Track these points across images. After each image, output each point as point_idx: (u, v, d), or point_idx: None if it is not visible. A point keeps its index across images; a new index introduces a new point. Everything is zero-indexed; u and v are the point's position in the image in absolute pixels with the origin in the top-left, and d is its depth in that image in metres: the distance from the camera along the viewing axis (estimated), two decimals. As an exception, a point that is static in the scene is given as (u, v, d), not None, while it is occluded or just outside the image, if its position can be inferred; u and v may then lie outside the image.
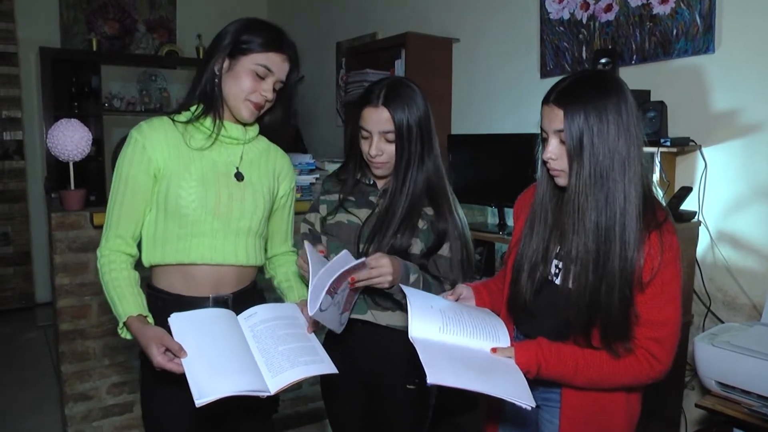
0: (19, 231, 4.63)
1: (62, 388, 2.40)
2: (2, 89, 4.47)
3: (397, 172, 1.48)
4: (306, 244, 1.40)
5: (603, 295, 1.13)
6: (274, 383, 1.20)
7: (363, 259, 1.30)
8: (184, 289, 1.38)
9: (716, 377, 1.72)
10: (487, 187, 2.67)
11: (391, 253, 1.41)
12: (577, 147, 1.13)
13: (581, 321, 1.17)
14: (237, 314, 1.35)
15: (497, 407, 1.40)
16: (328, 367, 1.29)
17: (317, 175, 2.76)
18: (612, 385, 1.19)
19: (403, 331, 1.46)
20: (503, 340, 1.20)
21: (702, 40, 2.17)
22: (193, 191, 1.35)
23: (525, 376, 1.13)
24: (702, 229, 2.19)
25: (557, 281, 1.25)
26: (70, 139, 2.28)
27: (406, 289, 1.25)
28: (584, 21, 2.60)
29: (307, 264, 1.30)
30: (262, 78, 1.35)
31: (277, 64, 1.36)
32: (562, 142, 1.16)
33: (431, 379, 1.05)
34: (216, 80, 1.37)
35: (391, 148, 1.46)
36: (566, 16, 2.68)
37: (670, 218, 1.19)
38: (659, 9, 2.31)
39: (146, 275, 1.43)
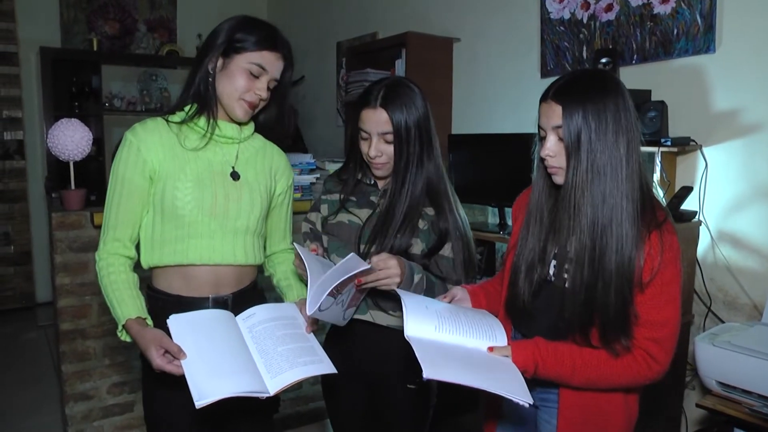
0: (20, 231, 4.63)
1: (63, 387, 2.41)
2: (3, 89, 4.48)
3: (396, 173, 1.48)
4: (295, 245, 1.40)
5: (599, 292, 1.13)
6: (273, 384, 1.20)
7: (369, 265, 1.29)
8: (184, 290, 1.38)
9: (717, 377, 1.72)
10: (488, 187, 2.67)
11: (391, 254, 1.41)
12: (575, 143, 1.13)
13: (577, 319, 1.16)
14: (236, 315, 1.34)
15: (496, 407, 1.40)
16: (327, 367, 1.29)
17: (318, 175, 2.76)
18: (610, 386, 1.19)
19: (403, 331, 1.46)
20: (500, 339, 1.20)
21: (703, 40, 2.17)
22: (189, 192, 1.34)
23: (522, 375, 1.13)
24: (702, 229, 2.18)
25: (555, 282, 1.25)
26: (71, 139, 2.28)
27: (400, 291, 1.25)
28: (585, 20, 2.60)
29: (304, 264, 1.30)
30: (256, 77, 1.34)
31: (271, 62, 1.35)
32: (560, 139, 1.16)
33: (428, 374, 1.05)
34: (210, 79, 1.36)
35: (391, 148, 1.46)
36: (567, 15, 2.68)
37: (669, 218, 1.18)
38: (660, 9, 2.31)
39: (146, 276, 1.43)
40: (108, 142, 4.75)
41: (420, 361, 1.07)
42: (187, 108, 1.39)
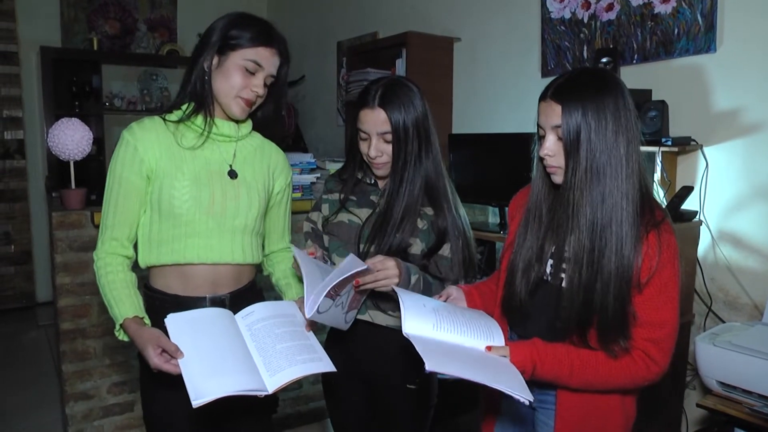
0: (20, 230, 4.63)
1: (63, 387, 2.41)
2: (3, 88, 4.48)
3: (394, 173, 1.47)
4: (293, 247, 1.40)
5: (598, 293, 1.13)
6: (272, 382, 1.20)
7: (366, 266, 1.29)
8: (181, 290, 1.38)
9: (717, 377, 1.72)
10: (488, 187, 2.67)
11: (391, 254, 1.40)
12: (575, 142, 1.12)
13: (576, 319, 1.16)
14: (234, 313, 1.34)
15: (493, 409, 1.39)
16: (326, 365, 1.28)
17: (318, 175, 2.76)
18: (608, 387, 1.18)
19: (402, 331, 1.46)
20: (497, 339, 1.19)
21: (703, 40, 2.17)
22: (186, 191, 1.34)
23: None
24: (703, 229, 2.18)
25: (552, 281, 1.24)
26: (71, 139, 2.28)
27: (398, 289, 1.24)
28: (585, 20, 2.60)
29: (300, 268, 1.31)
30: (252, 73, 1.34)
31: (266, 58, 1.34)
32: (559, 138, 1.15)
33: (429, 366, 1.04)
34: (206, 77, 1.35)
35: (391, 148, 1.46)
36: (567, 15, 2.67)
37: (668, 218, 1.18)
38: (661, 8, 2.31)
39: (144, 275, 1.43)
40: (108, 142, 4.75)
41: (421, 354, 1.07)
42: (184, 107, 1.39)
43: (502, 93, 3.06)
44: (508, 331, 1.33)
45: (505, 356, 1.14)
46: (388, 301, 1.46)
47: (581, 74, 1.19)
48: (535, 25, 2.83)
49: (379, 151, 1.45)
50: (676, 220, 2.07)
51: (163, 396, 1.34)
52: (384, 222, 1.47)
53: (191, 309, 1.32)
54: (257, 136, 1.49)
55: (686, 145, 2.13)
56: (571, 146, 1.13)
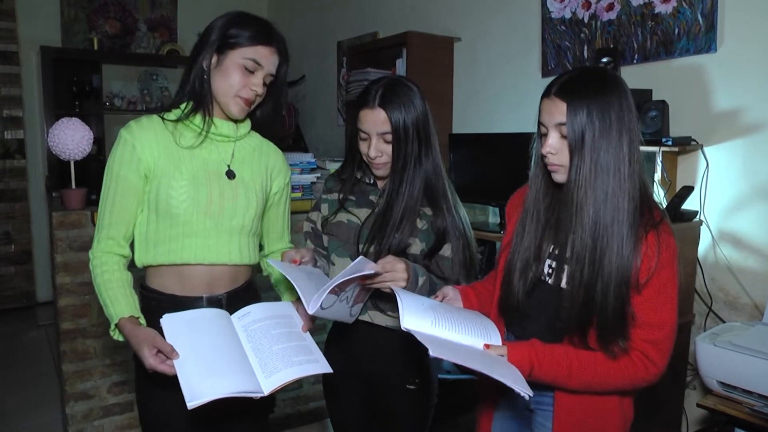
0: (20, 230, 4.63)
1: (63, 387, 2.41)
2: (3, 88, 4.48)
3: (393, 173, 1.47)
4: (271, 261, 1.40)
5: (598, 293, 1.12)
6: (267, 384, 1.19)
7: (374, 270, 1.28)
8: (178, 290, 1.37)
9: (718, 377, 1.72)
10: (489, 187, 2.67)
11: (390, 254, 1.40)
12: (579, 141, 1.12)
13: (576, 320, 1.15)
14: (231, 314, 1.33)
15: (490, 410, 1.39)
16: (322, 366, 1.28)
17: (318, 175, 2.76)
18: (606, 388, 1.17)
19: (403, 332, 1.46)
20: (494, 339, 1.19)
21: (704, 40, 2.17)
22: (184, 191, 1.33)
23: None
24: (703, 229, 2.18)
25: (550, 281, 1.24)
26: (71, 138, 2.28)
27: (395, 288, 1.24)
28: (586, 20, 2.60)
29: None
30: (251, 72, 1.33)
31: (266, 57, 1.34)
32: (562, 136, 1.15)
33: (433, 352, 1.04)
34: (205, 76, 1.35)
35: (390, 148, 1.45)
36: (568, 15, 2.67)
37: (666, 218, 1.17)
38: (661, 8, 2.31)
39: (140, 275, 1.42)
40: (108, 142, 4.74)
41: (424, 342, 1.07)
42: (182, 106, 1.38)
43: (502, 93, 3.06)
44: (505, 332, 1.32)
45: (502, 356, 1.14)
46: (387, 301, 1.46)
47: (585, 73, 1.18)
48: (536, 25, 2.83)
49: (378, 151, 1.45)
50: (676, 220, 2.07)
51: (159, 397, 1.33)
52: (383, 222, 1.47)
53: (188, 309, 1.31)
54: (256, 136, 1.48)
55: (686, 145, 2.13)
56: (576, 145, 1.12)
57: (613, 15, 2.49)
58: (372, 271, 1.27)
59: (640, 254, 1.13)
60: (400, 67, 3.30)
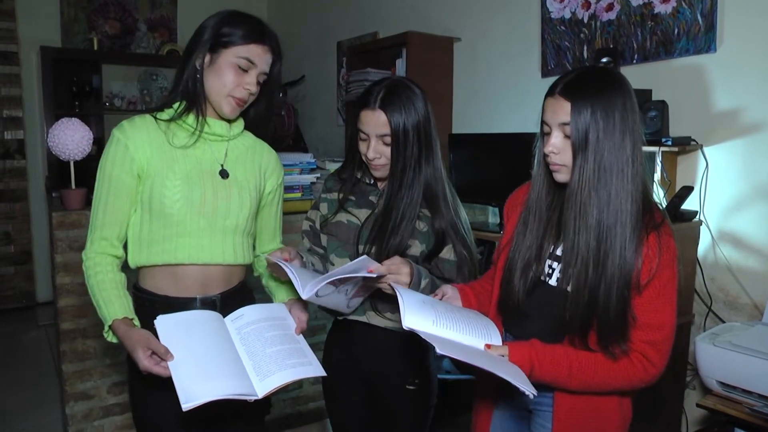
0: (20, 230, 4.63)
1: (63, 387, 2.40)
2: (3, 88, 4.48)
3: (393, 176, 1.46)
4: (265, 256, 1.39)
5: (601, 294, 1.12)
6: (261, 387, 1.19)
7: (376, 275, 1.27)
8: (172, 290, 1.36)
9: (717, 377, 1.72)
10: (488, 187, 2.67)
11: (390, 255, 1.40)
12: (583, 141, 1.12)
13: (578, 321, 1.15)
14: (224, 315, 1.33)
15: (488, 411, 1.38)
16: (315, 369, 1.28)
17: (318, 175, 2.76)
18: (606, 388, 1.18)
19: (402, 333, 1.46)
20: (495, 339, 1.19)
21: (703, 40, 2.17)
22: (178, 190, 1.32)
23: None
24: (703, 229, 2.18)
25: (551, 282, 1.24)
26: (71, 139, 2.28)
27: (396, 286, 1.24)
28: (585, 20, 2.60)
29: (283, 270, 1.30)
30: (245, 71, 1.32)
31: (259, 55, 1.33)
32: (566, 136, 1.14)
33: (440, 350, 1.05)
34: (198, 76, 1.34)
35: (389, 150, 1.44)
36: (567, 15, 2.67)
37: (667, 219, 1.18)
38: (661, 8, 2.31)
39: (133, 276, 1.41)
40: (108, 142, 4.74)
41: (429, 341, 1.07)
42: (175, 105, 1.37)
43: (502, 93, 3.06)
44: (503, 332, 1.32)
45: (503, 356, 1.14)
46: (386, 303, 1.46)
47: (590, 72, 1.18)
48: (535, 25, 2.83)
49: (377, 152, 1.44)
50: (676, 220, 2.07)
51: (153, 399, 1.32)
52: (383, 225, 1.46)
53: (181, 310, 1.30)
54: (249, 136, 1.48)
55: (686, 145, 2.13)
56: (580, 145, 1.12)
57: (612, 15, 2.49)
58: (374, 275, 1.26)
59: (641, 256, 1.13)
60: (400, 67, 3.30)
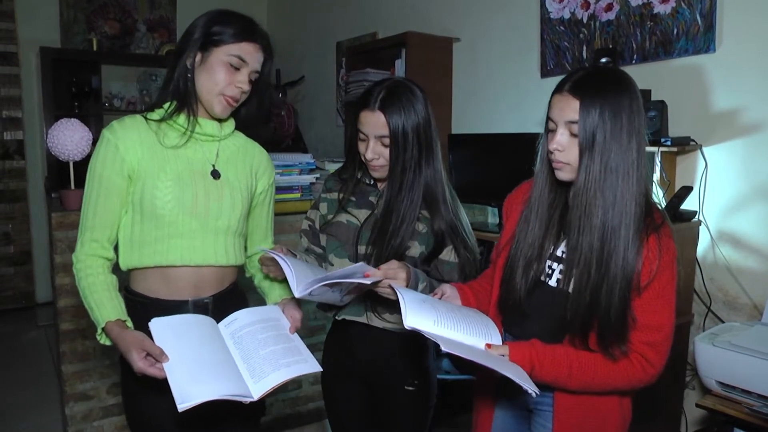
0: (20, 231, 4.63)
1: (63, 387, 2.40)
2: (3, 89, 4.48)
3: (392, 178, 1.46)
4: (262, 248, 1.39)
5: (604, 295, 1.12)
6: (256, 389, 1.19)
7: (371, 281, 1.27)
8: (164, 293, 1.35)
9: (717, 377, 1.72)
10: (488, 187, 2.67)
11: (389, 257, 1.40)
12: (590, 141, 1.11)
13: (579, 322, 1.15)
14: (217, 317, 1.32)
15: (489, 411, 1.38)
16: (311, 366, 1.27)
17: (317, 175, 2.76)
18: (606, 388, 1.18)
19: (402, 334, 1.46)
20: (495, 339, 1.19)
21: (703, 40, 2.17)
22: (169, 191, 1.31)
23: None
24: (702, 229, 2.18)
25: (551, 282, 1.24)
26: (70, 139, 2.28)
27: (396, 287, 1.24)
28: (585, 20, 2.60)
29: (279, 266, 1.30)
30: (237, 69, 1.32)
31: (250, 53, 1.32)
32: (572, 134, 1.14)
33: (445, 347, 1.05)
34: (189, 75, 1.33)
35: (388, 152, 1.44)
36: (567, 15, 2.68)
37: (666, 221, 1.18)
38: (660, 8, 2.31)
39: (124, 278, 1.40)
40: (108, 142, 4.74)
41: (433, 339, 1.08)
42: (166, 105, 1.36)
43: (502, 93, 3.06)
44: (503, 332, 1.32)
45: (504, 355, 1.14)
46: (386, 306, 1.45)
47: (599, 72, 1.18)
48: (535, 25, 2.83)
49: (376, 153, 1.44)
50: (675, 220, 2.07)
51: (148, 400, 1.31)
52: (383, 227, 1.46)
53: (173, 312, 1.29)
54: (240, 136, 1.47)
55: (685, 145, 2.13)
56: (586, 144, 1.12)
57: (612, 15, 2.49)
58: (369, 281, 1.26)
59: (641, 257, 1.13)
60: (399, 67, 3.30)
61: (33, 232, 4.68)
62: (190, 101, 1.34)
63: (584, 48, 2.61)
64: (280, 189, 2.63)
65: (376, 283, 1.29)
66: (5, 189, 4.55)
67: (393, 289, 1.25)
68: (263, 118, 1.49)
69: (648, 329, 1.14)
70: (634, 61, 2.41)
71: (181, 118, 1.35)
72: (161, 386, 1.15)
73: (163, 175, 1.31)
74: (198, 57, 1.32)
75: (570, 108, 1.13)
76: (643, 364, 1.14)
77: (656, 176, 2.14)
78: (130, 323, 1.28)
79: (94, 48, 4.71)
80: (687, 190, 2.09)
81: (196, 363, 1.18)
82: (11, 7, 4.48)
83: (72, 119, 2.34)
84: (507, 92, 3.03)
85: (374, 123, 1.42)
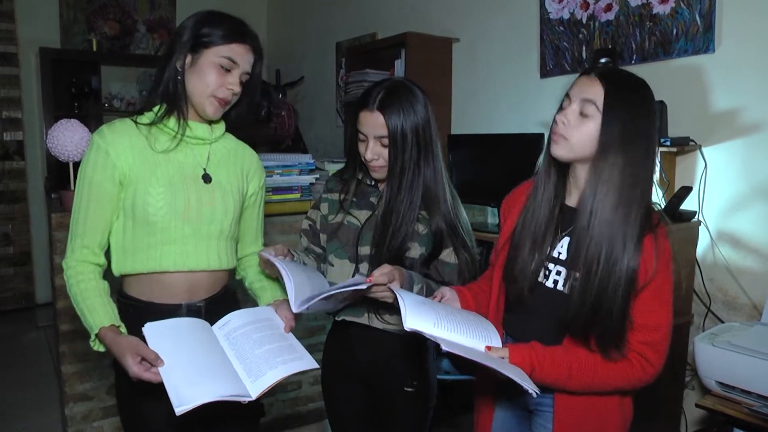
0: (20, 231, 4.63)
1: (62, 388, 2.40)
2: (2, 89, 4.48)
3: (391, 178, 1.46)
4: (265, 251, 1.38)
5: (607, 297, 1.12)
6: (254, 388, 1.19)
7: (366, 286, 1.28)
8: (157, 297, 1.34)
9: (716, 377, 1.72)
10: (487, 187, 2.67)
11: (389, 258, 1.40)
12: (610, 135, 1.12)
13: (580, 324, 1.15)
14: (211, 320, 1.32)
15: (489, 413, 1.38)
16: (307, 363, 1.27)
17: (317, 176, 2.76)
18: (606, 388, 1.18)
19: (402, 335, 1.46)
20: (495, 341, 1.19)
21: (702, 40, 2.17)
22: (161, 198, 1.30)
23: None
24: (702, 229, 2.18)
25: (547, 284, 1.24)
26: (70, 140, 2.28)
27: (396, 288, 1.24)
28: (584, 21, 2.60)
29: (277, 268, 1.30)
30: (227, 70, 1.31)
31: (241, 55, 1.31)
32: (582, 114, 1.15)
33: (445, 347, 1.05)
34: (178, 77, 1.32)
35: (387, 152, 1.44)
36: (566, 15, 2.68)
37: (662, 221, 1.18)
38: (659, 8, 2.31)
39: (115, 282, 1.39)
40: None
41: (434, 339, 1.08)
42: (156, 109, 1.35)
43: (501, 93, 3.06)
44: (503, 334, 1.32)
45: (504, 357, 1.14)
46: (386, 309, 1.45)
47: (627, 74, 1.19)
48: (534, 25, 2.83)
49: (375, 154, 1.44)
50: (674, 220, 2.07)
51: (143, 405, 1.30)
52: (383, 228, 1.46)
53: (167, 316, 1.28)
54: (231, 138, 1.46)
55: (685, 146, 2.13)
56: (606, 141, 1.12)
57: (611, 15, 2.49)
58: (365, 287, 1.27)
59: (640, 258, 1.13)
60: (399, 67, 3.30)
61: (33, 232, 4.68)
62: (180, 104, 1.33)
63: (584, 48, 2.61)
64: (280, 189, 2.64)
65: (370, 288, 1.29)
66: (5, 190, 4.55)
67: (392, 291, 1.25)
68: (253, 119, 1.48)
69: (646, 329, 1.14)
70: (633, 62, 2.41)
71: (172, 122, 1.34)
72: (157, 391, 1.14)
73: (155, 180, 1.30)
74: (188, 59, 1.31)
75: (592, 88, 1.14)
76: (643, 364, 1.15)
77: (656, 176, 2.14)
78: (123, 329, 1.27)
79: (94, 48, 4.71)
80: (686, 191, 2.09)
81: (192, 365, 1.18)
82: (11, 7, 4.48)
83: (72, 120, 2.34)
84: (506, 92, 3.03)
85: (373, 123, 1.42)
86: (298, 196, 2.68)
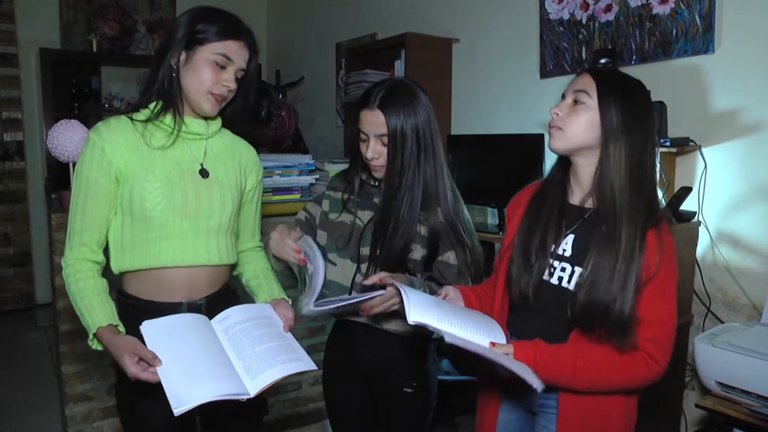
0: (20, 232, 4.63)
1: (62, 388, 2.40)
2: (2, 90, 4.48)
3: (390, 178, 1.46)
4: (308, 238, 1.40)
5: (613, 294, 1.12)
6: (253, 385, 1.19)
7: (380, 292, 1.29)
8: (156, 295, 1.34)
9: (716, 377, 1.72)
10: (487, 188, 2.67)
11: (390, 259, 1.40)
12: (610, 126, 1.15)
13: (588, 321, 1.15)
14: (211, 318, 1.32)
15: (492, 413, 1.38)
16: (305, 364, 1.27)
17: (317, 176, 2.76)
18: (610, 387, 1.18)
19: (403, 335, 1.46)
20: (499, 338, 1.19)
21: (702, 40, 2.17)
22: (159, 193, 1.30)
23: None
24: (702, 230, 2.18)
25: (552, 281, 1.24)
26: (70, 140, 2.28)
27: (399, 284, 1.24)
28: (584, 21, 2.60)
29: (307, 258, 1.32)
30: (222, 67, 1.31)
31: (235, 51, 1.31)
32: (575, 101, 1.19)
33: (449, 339, 1.06)
34: (173, 74, 1.32)
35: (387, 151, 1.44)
36: (566, 16, 2.68)
37: (665, 216, 1.19)
38: (659, 9, 2.31)
39: (114, 280, 1.38)
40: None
41: (438, 330, 1.09)
42: (151, 106, 1.35)
43: (501, 93, 3.06)
44: (508, 333, 1.32)
45: (508, 354, 1.14)
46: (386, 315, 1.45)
47: (623, 75, 1.23)
48: (534, 26, 2.83)
49: (375, 153, 1.44)
50: (675, 220, 2.07)
51: (143, 406, 1.30)
52: (383, 229, 1.46)
53: (167, 315, 1.28)
54: (227, 134, 1.46)
55: (685, 146, 2.14)
56: (608, 131, 1.15)
57: (611, 16, 2.49)
58: (379, 293, 1.30)
59: (644, 254, 1.13)
60: (399, 68, 3.30)
61: (33, 233, 4.68)
62: (176, 101, 1.33)
63: (583, 49, 2.61)
64: (280, 189, 2.64)
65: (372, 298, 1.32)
66: (5, 190, 4.55)
67: (395, 288, 1.25)
68: (249, 115, 1.47)
69: (650, 325, 1.14)
70: (633, 62, 2.41)
71: (168, 118, 1.34)
72: (156, 391, 1.13)
73: (152, 176, 1.30)
74: (183, 56, 1.31)
75: (583, 80, 1.19)
76: (648, 362, 1.14)
77: (656, 177, 2.14)
78: (122, 328, 1.26)
79: (94, 49, 4.72)
80: (686, 191, 2.09)
81: (190, 364, 1.18)
82: (11, 8, 4.48)
83: (72, 120, 2.34)
84: (506, 93, 3.03)
85: (373, 122, 1.42)
86: (298, 196, 2.68)
